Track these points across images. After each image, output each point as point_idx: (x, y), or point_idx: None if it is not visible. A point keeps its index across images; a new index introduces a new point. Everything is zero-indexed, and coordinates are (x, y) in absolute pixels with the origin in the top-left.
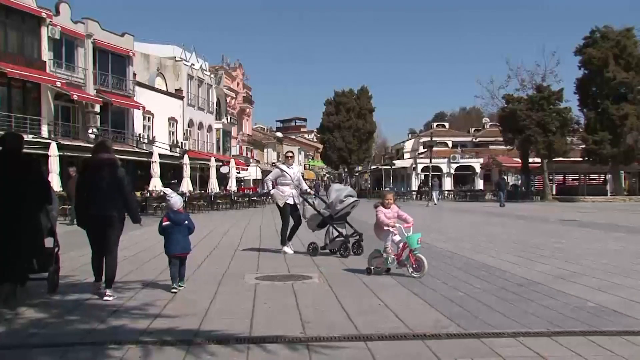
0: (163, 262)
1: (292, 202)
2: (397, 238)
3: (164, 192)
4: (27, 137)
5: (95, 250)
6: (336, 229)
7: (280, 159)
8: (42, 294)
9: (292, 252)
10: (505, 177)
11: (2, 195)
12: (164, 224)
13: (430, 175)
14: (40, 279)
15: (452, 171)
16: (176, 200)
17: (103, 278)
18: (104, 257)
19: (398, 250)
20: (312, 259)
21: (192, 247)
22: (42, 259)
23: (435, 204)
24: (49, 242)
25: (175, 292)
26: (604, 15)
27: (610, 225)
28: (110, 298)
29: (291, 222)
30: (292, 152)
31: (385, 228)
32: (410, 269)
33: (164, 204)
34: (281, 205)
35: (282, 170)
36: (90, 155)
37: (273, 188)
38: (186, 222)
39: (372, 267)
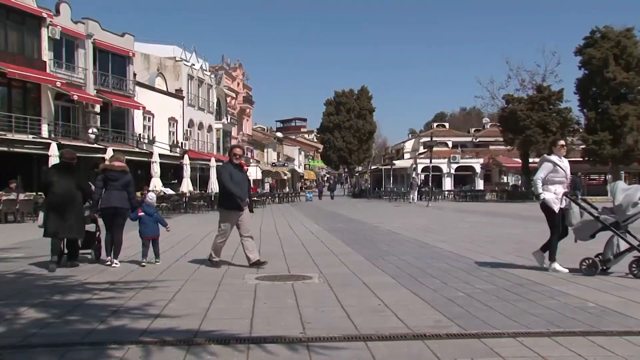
0: (163, 262)
1: (563, 205)
2: None
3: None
4: (27, 137)
5: (109, 232)
6: (626, 241)
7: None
8: (42, 294)
9: (567, 270)
10: (581, 175)
11: (64, 192)
12: (139, 214)
13: (430, 175)
14: (84, 254)
15: (453, 171)
16: (153, 197)
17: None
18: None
19: None
20: (312, 259)
21: (192, 247)
22: (86, 239)
23: (414, 202)
24: (90, 227)
25: (144, 266)
26: (604, 15)
27: None
28: (117, 265)
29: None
30: (563, 140)
31: None
32: None
33: (164, 203)
34: (557, 212)
35: (554, 164)
36: (107, 162)
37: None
38: (155, 214)
39: None
